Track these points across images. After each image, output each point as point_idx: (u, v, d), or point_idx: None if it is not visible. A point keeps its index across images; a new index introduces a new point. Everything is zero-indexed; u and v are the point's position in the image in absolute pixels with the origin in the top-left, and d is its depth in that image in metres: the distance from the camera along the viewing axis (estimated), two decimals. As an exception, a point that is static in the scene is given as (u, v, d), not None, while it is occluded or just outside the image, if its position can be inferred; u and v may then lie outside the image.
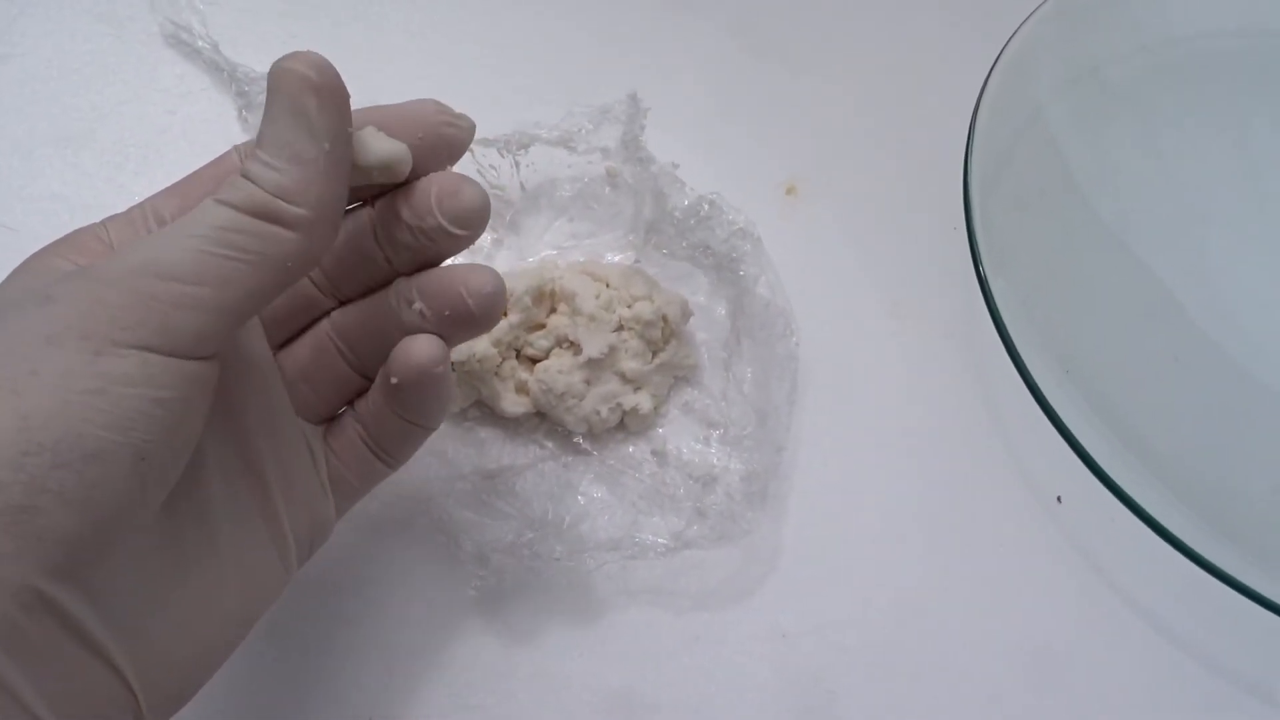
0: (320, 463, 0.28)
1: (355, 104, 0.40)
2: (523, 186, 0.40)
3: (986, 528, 0.37)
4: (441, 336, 0.27)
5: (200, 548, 0.25)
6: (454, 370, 0.35)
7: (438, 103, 0.28)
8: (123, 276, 0.22)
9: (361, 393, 0.29)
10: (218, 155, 0.28)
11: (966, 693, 0.34)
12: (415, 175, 0.27)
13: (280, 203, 0.23)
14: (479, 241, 0.39)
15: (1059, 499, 0.37)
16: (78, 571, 0.21)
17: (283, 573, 0.27)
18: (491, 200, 0.40)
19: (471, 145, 0.38)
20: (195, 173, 0.27)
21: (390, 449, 0.29)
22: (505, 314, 0.36)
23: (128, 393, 0.21)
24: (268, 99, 0.24)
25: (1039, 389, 0.34)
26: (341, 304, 0.29)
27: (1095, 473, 0.33)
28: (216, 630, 0.26)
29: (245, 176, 0.24)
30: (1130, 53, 0.44)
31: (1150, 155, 0.43)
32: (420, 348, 0.27)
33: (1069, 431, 0.33)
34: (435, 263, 0.28)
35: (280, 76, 0.24)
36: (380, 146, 0.26)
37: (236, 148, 0.28)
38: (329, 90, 0.24)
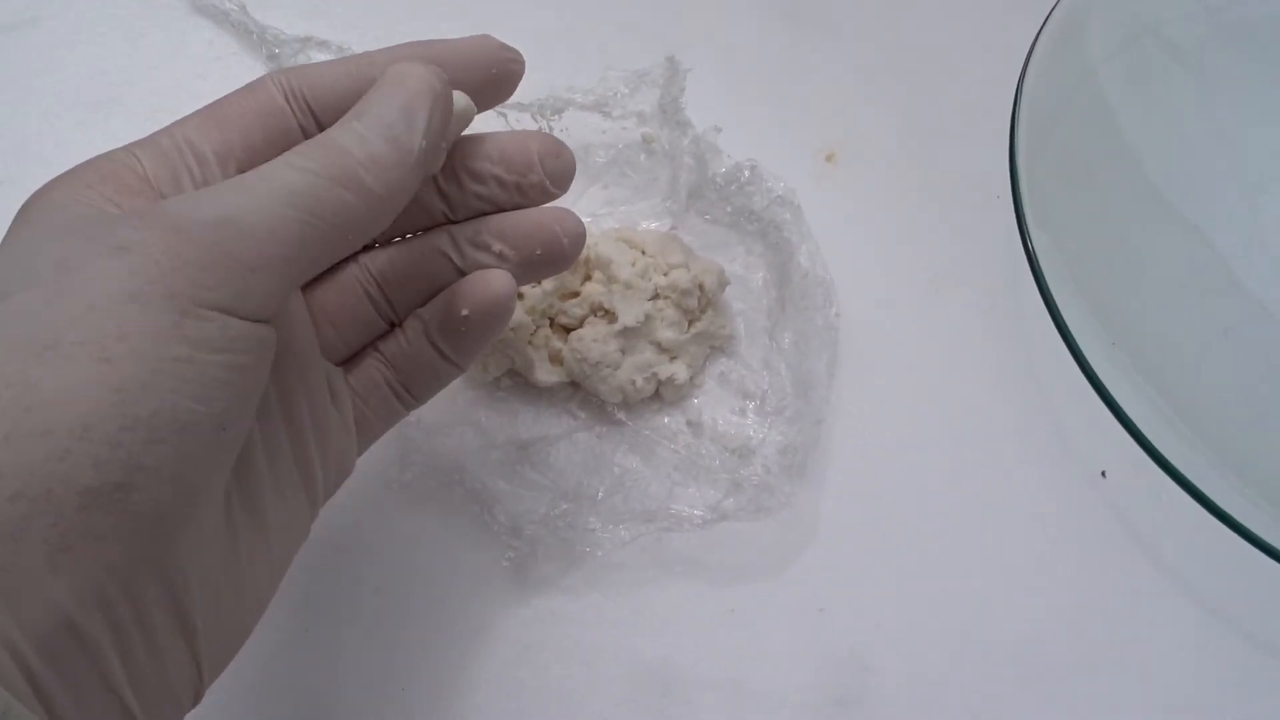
0: (346, 404, 0.28)
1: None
2: (556, 152, 0.39)
3: (1029, 503, 0.36)
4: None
5: (247, 504, 0.24)
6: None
7: (493, 38, 0.29)
8: (203, 231, 0.21)
9: (381, 336, 0.29)
10: (251, 82, 0.27)
11: (1006, 670, 0.34)
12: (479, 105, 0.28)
13: (365, 175, 0.23)
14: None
15: (1104, 474, 0.36)
16: (169, 548, 0.21)
17: (311, 516, 0.27)
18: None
19: (505, 110, 0.37)
20: (227, 99, 0.26)
21: (417, 389, 0.29)
22: (539, 281, 0.35)
23: (212, 359, 0.21)
24: (381, 87, 0.25)
25: (1085, 360, 0.33)
26: (368, 248, 0.29)
27: (1143, 446, 0.32)
28: (261, 587, 0.25)
29: (333, 142, 0.23)
30: (1191, 11, 0.42)
31: (1208, 120, 0.41)
32: (498, 281, 0.28)
33: (1116, 404, 0.33)
34: (506, 209, 0.29)
35: (403, 74, 0.25)
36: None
37: (271, 76, 0.27)
38: (444, 101, 0.25)
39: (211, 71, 0.42)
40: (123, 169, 0.24)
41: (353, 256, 0.29)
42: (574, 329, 0.36)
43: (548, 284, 0.35)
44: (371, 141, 0.24)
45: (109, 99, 0.41)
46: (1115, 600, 0.35)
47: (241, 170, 0.26)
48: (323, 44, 0.40)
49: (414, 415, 0.35)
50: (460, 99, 0.26)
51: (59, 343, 0.20)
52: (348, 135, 0.24)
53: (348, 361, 0.29)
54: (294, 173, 0.23)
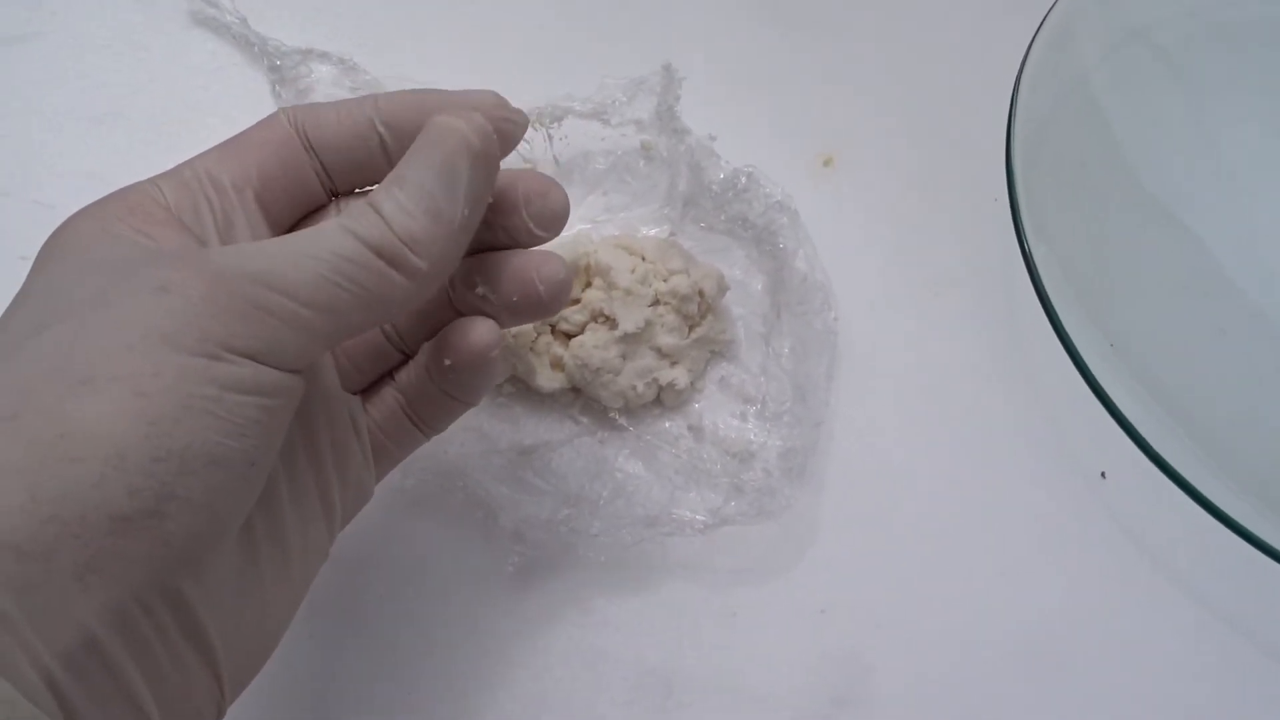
0: (363, 434, 0.28)
1: (390, 77, 0.40)
2: (556, 160, 0.40)
3: (1028, 504, 0.36)
4: (497, 319, 0.28)
5: (270, 534, 0.25)
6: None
7: (497, 95, 0.28)
8: (242, 282, 0.22)
9: (398, 365, 0.30)
10: (264, 118, 0.28)
11: (1007, 671, 0.34)
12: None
13: (406, 251, 0.23)
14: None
15: (1103, 475, 0.37)
16: (195, 574, 0.22)
17: (329, 542, 0.27)
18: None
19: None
20: (244, 135, 0.27)
21: (430, 420, 0.29)
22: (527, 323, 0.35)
23: (242, 400, 0.21)
24: (420, 146, 0.24)
25: (1083, 362, 0.33)
26: None
27: (1141, 447, 0.32)
28: (282, 611, 0.26)
29: (376, 211, 0.24)
30: (1180, 16, 0.43)
31: (1199, 123, 0.42)
32: (477, 332, 0.27)
33: (1114, 406, 0.33)
34: (499, 249, 0.28)
35: (441, 131, 0.24)
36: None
37: (284, 111, 0.28)
38: (485, 158, 0.25)
39: (213, 83, 0.42)
40: (148, 200, 0.25)
41: None
42: (575, 335, 0.36)
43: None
44: (412, 213, 0.24)
45: (111, 111, 0.42)
46: (1114, 601, 0.35)
47: (258, 197, 0.27)
48: (323, 56, 0.40)
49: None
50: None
51: (94, 378, 0.20)
52: (391, 205, 0.24)
53: (365, 391, 0.29)
54: (345, 240, 0.23)
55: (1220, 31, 0.43)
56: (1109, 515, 0.36)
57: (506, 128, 0.27)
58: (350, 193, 0.29)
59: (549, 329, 0.36)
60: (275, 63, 0.41)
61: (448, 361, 0.27)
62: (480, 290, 0.28)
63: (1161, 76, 0.42)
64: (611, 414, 0.36)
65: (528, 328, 0.35)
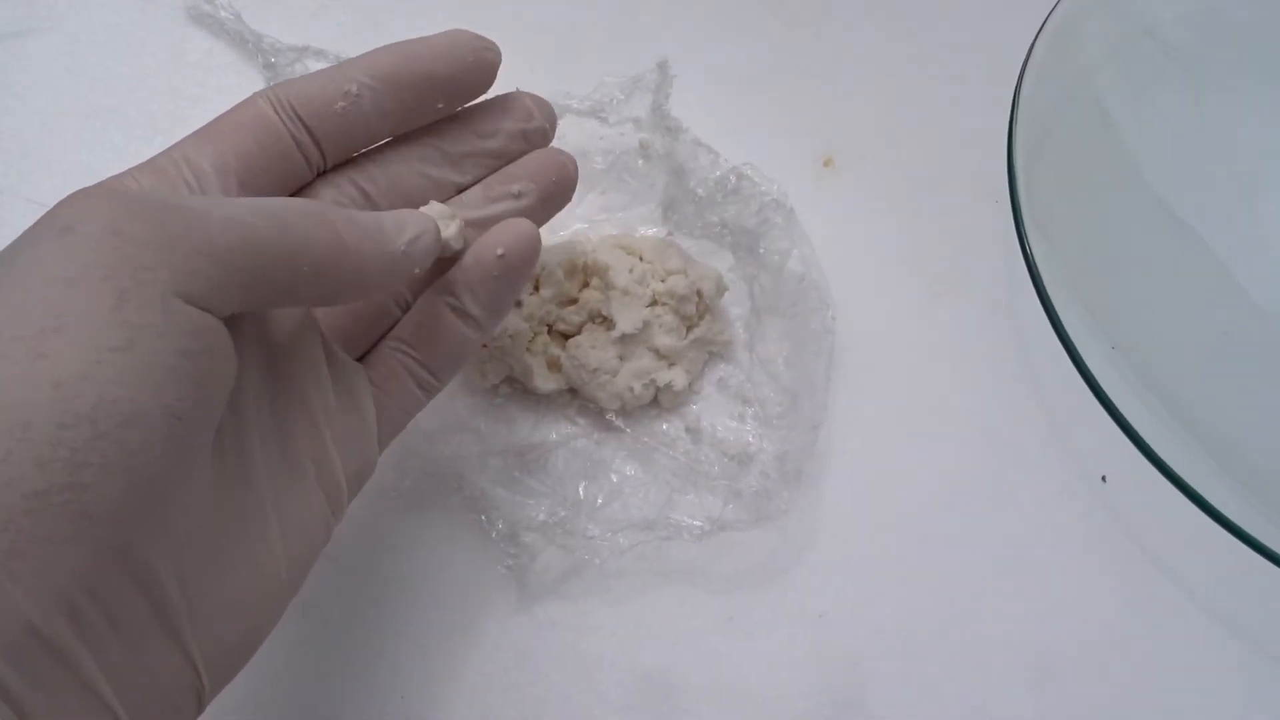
0: (367, 398, 0.28)
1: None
2: (554, 158, 0.39)
3: (1029, 508, 0.36)
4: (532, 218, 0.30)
5: (249, 509, 0.24)
6: (483, 346, 0.35)
7: (468, 31, 0.30)
8: (148, 207, 0.21)
9: (393, 324, 0.29)
10: (242, 100, 0.28)
11: (1007, 676, 0.34)
12: (458, 98, 0.30)
13: (340, 225, 0.24)
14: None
15: (1104, 478, 0.36)
16: (134, 547, 0.20)
17: (330, 521, 0.27)
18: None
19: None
20: (219, 119, 0.27)
21: (439, 364, 0.29)
22: (537, 289, 0.35)
23: (155, 347, 0.20)
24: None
25: (1085, 364, 0.33)
26: None
27: (1143, 450, 0.32)
28: (272, 589, 0.25)
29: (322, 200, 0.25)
30: (1183, 15, 0.42)
31: (1202, 123, 0.41)
32: (527, 223, 0.29)
33: (1115, 408, 0.33)
34: (510, 161, 0.31)
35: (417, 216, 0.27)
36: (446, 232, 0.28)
37: (261, 94, 0.27)
38: (433, 234, 0.27)
39: (209, 80, 0.42)
40: (121, 187, 0.25)
41: None
42: (572, 336, 0.36)
43: (545, 291, 0.35)
44: (359, 220, 0.25)
45: (108, 108, 0.41)
46: (1116, 604, 0.35)
47: (241, 181, 0.26)
48: (320, 53, 0.40)
49: (412, 423, 0.35)
50: (453, 226, 0.28)
51: None
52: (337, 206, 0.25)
53: (364, 356, 0.29)
54: (274, 200, 0.23)
55: (1225, 31, 0.43)
56: (1110, 519, 0.36)
57: (485, 55, 0.30)
58: (336, 168, 0.29)
59: (546, 329, 0.36)
60: (270, 60, 0.40)
61: (500, 251, 0.29)
62: (517, 189, 0.30)
63: (1164, 76, 0.42)
64: (608, 415, 0.36)
65: (524, 327, 0.35)
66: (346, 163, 0.29)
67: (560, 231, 0.39)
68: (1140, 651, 0.34)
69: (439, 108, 0.30)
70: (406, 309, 0.30)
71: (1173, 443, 0.33)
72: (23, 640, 0.19)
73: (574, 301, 0.36)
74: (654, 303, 0.35)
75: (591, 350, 0.35)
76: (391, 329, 0.29)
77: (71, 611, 0.19)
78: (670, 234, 0.39)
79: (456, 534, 0.35)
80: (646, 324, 0.35)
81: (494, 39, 0.43)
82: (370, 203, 0.29)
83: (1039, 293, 0.34)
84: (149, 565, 0.21)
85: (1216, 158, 0.41)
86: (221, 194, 0.26)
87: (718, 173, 0.37)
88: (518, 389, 0.36)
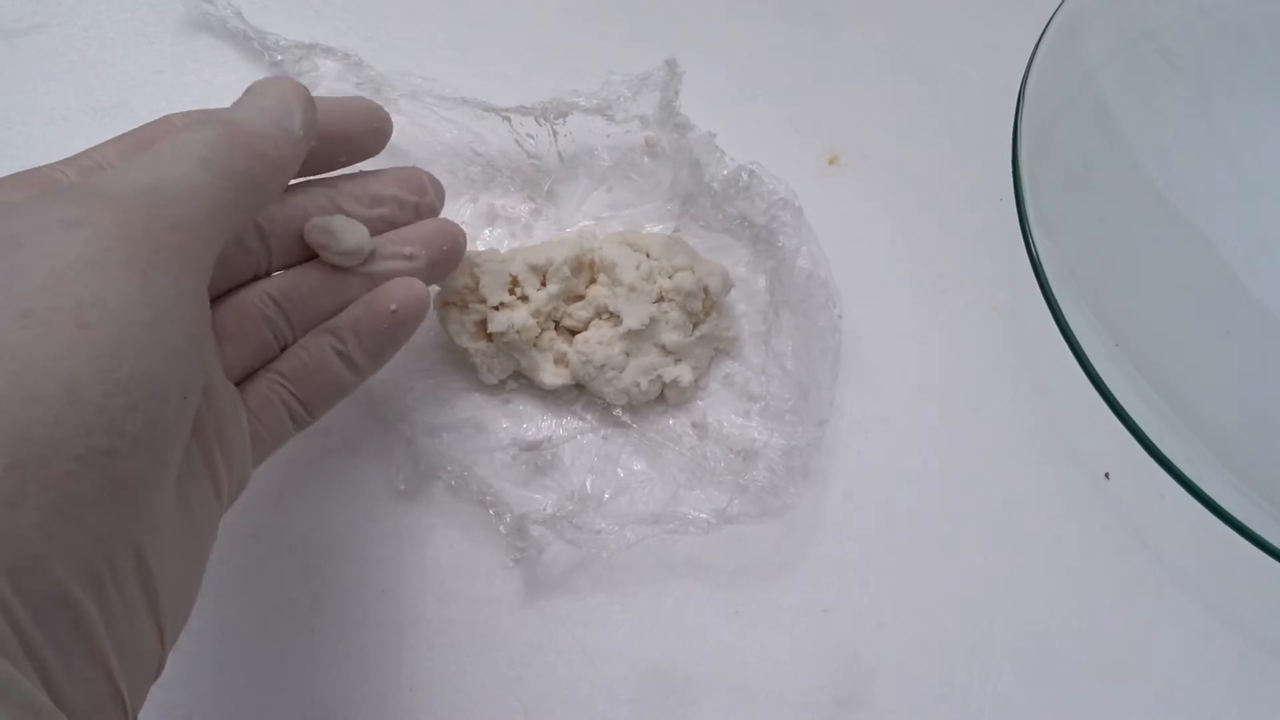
0: (243, 421, 0.28)
1: (395, 73, 0.40)
2: (560, 156, 0.40)
3: (1032, 504, 0.36)
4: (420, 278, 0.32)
5: (187, 492, 0.24)
6: (490, 342, 0.35)
7: (372, 101, 0.33)
8: (139, 199, 0.22)
9: (273, 358, 0.30)
10: (155, 120, 0.29)
11: (1010, 670, 0.34)
12: (358, 155, 0.33)
13: (261, 144, 0.26)
14: (516, 211, 0.39)
15: (1107, 475, 0.37)
16: (142, 517, 0.21)
17: (216, 528, 0.27)
18: (529, 170, 0.40)
19: (509, 113, 0.38)
20: (139, 134, 0.28)
21: (315, 402, 0.30)
22: (544, 284, 0.35)
23: (173, 325, 0.21)
24: (254, 89, 0.28)
25: (1088, 362, 0.33)
26: (268, 273, 0.30)
27: (1146, 447, 0.32)
28: (196, 576, 0.25)
29: (228, 116, 0.26)
30: (1187, 15, 0.43)
31: (1207, 122, 0.42)
32: (419, 282, 0.31)
33: (1119, 405, 0.33)
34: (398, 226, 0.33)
35: (269, 80, 0.28)
36: (350, 237, 0.30)
37: (178, 115, 0.29)
38: (308, 100, 0.28)
39: (216, 76, 0.42)
40: (52, 182, 0.25)
41: (251, 281, 0.30)
42: (579, 332, 0.36)
43: (553, 287, 0.35)
44: (261, 119, 0.26)
45: (114, 104, 0.41)
46: (1118, 600, 0.35)
47: None
48: (328, 51, 0.40)
49: (419, 418, 0.35)
50: (363, 238, 0.31)
51: (34, 310, 0.19)
52: (236, 111, 0.26)
53: (242, 382, 0.29)
54: (201, 144, 0.24)
55: (1228, 31, 0.43)
56: (1113, 515, 0.36)
57: (385, 126, 0.32)
58: None
59: (553, 325, 0.36)
60: (277, 58, 0.41)
61: (393, 307, 0.30)
62: (408, 252, 0.32)
63: (1168, 75, 0.42)
64: (615, 411, 0.36)
65: (531, 323, 0.35)
66: None
67: (567, 228, 0.39)
68: (1142, 646, 0.34)
69: (340, 161, 0.32)
70: (284, 346, 0.30)
71: (1175, 439, 0.33)
72: (54, 603, 0.19)
73: (581, 297, 0.36)
74: (661, 299, 0.36)
75: (598, 346, 0.35)
76: (270, 361, 0.30)
77: (93, 577, 0.20)
78: (677, 230, 0.39)
79: (464, 528, 0.35)
80: (653, 320, 0.35)
81: (500, 38, 0.43)
82: (263, 233, 0.30)
83: (1043, 290, 0.34)
84: (147, 538, 0.21)
85: (1219, 156, 0.42)
86: None
87: (726, 171, 0.37)
88: (525, 384, 0.37)
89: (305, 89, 0.29)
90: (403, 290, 0.31)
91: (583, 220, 0.39)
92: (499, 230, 0.39)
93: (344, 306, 0.30)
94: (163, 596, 0.22)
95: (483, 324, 0.35)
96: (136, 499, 0.20)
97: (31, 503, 0.18)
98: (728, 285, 0.37)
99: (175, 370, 0.21)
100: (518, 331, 0.35)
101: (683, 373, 0.36)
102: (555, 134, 0.39)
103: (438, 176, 0.34)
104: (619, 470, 0.35)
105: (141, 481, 0.20)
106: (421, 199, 0.33)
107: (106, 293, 0.20)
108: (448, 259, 0.33)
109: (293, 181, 0.31)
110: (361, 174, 0.33)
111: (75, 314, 0.20)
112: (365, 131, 0.32)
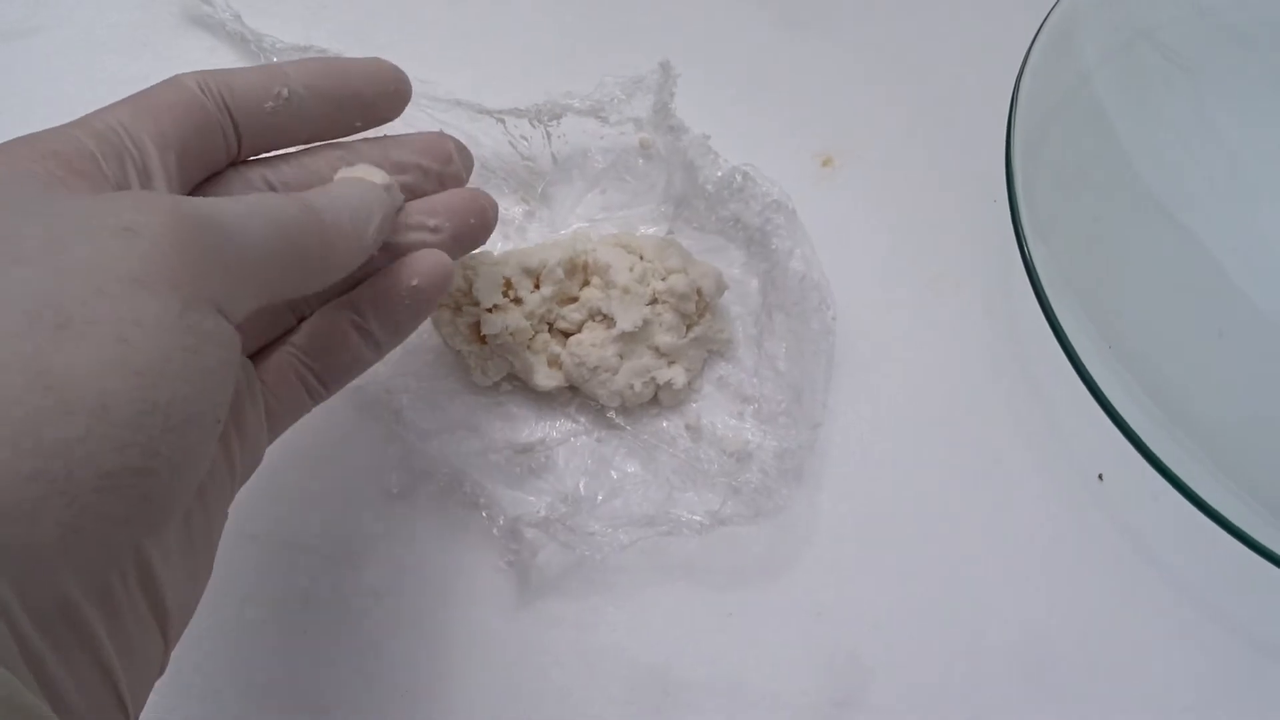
0: (259, 397, 0.28)
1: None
2: (554, 158, 0.40)
3: (1026, 506, 0.36)
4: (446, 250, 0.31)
5: (203, 493, 0.24)
6: (484, 344, 0.35)
7: (384, 62, 0.31)
8: (207, 231, 0.21)
9: (288, 331, 0.29)
10: (167, 79, 0.28)
11: (1004, 671, 0.34)
12: (374, 120, 0.31)
13: (330, 234, 0.25)
14: (510, 213, 0.39)
15: (1100, 477, 0.37)
16: (161, 535, 0.21)
17: (229, 502, 0.27)
18: (523, 172, 0.40)
19: (503, 115, 0.38)
20: (150, 95, 0.27)
21: (331, 377, 0.29)
22: (538, 286, 0.35)
23: (211, 353, 0.21)
24: (342, 183, 0.28)
25: (1082, 363, 0.33)
26: None
27: (1139, 449, 0.32)
28: (205, 573, 0.25)
29: (310, 199, 0.25)
30: (1181, 16, 0.43)
31: (1199, 124, 0.42)
32: (442, 255, 0.30)
33: (1112, 407, 0.33)
34: (424, 195, 0.32)
35: (360, 178, 0.28)
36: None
37: (188, 76, 0.28)
38: (389, 207, 0.28)
39: (212, 79, 0.42)
40: (72, 148, 0.24)
41: None
42: (573, 334, 0.36)
43: (546, 290, 0.35)
44: (339, 213, 0.26)
45: (111, 107, 0.41)
46: (1111, 602, 0.35)
47: (180, 161, 0.27)
48: (323, 53, 0.40)
49: (413, 420, 0.35)
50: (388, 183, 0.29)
51: (70, 322, 0.19)
52: (321, 199, 0.26)
53: (256, 355, 0.29)
54: (277, 209, 0.24)
55: (1222, 32, 0.43)
56: (1106, 517, 0.36)
57: (402, 88, 0.31)
58: (248, 160, 0.29)
59: (547, 327, 0.36)
60: (272, 59, 0.41)
61: (415, 281, 0.29)
62: (433, 224, 0.30)
63: (1162, 77, 0.42)
64: (609, 413, 0.36)
65: (524, 324, 0.35)
66: (256, 159, 0.30)
67: (560, 230, 0.39)
68: (1136, 647, 0.34)
69: (356, 125, 0.31)
70: (303, 317, 0.30)
71: (1168, 441, 0.33)
72: (61, 617, 0.19)
73: (574, 300, 0.36)
74: (654, 301, 0.36)
75: (592, 348, 0.35)
76: (285, 334, 0.29)
77: (103, 593, 0.20)
78: (671, 232, 0.39)
79: (458, 530, 0.35)
80: (647, 322, 0.35)
81: (494, 39, 0.43)
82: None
83: (1036, 292, 0.34)
84: (160, 552, 0.21)
85: (1213, 158, 0.42)
86: (160, 169, 0.26)
87: (720, 172, 0.37)
88: (518, 386, 0.37)
89: (392, 200, 0.28)
90: (426, 263, 0.29)
91: (576, 222, 0.39)
92: (493, 232, 0.39)
93: (364, 278, 0.29)
94: (168, 600, 0.22)
95: (476, 326, 0.35)
96: (160, 519, 0.20)
97: (52, 517, 0.18)
98: (721, 287, 0.37)
99: (211, 396, 0.21)
100: (511, 334, 0.35)
101: (676, 375, 0.36)
102: (549, 136, 0.39)
103: None
104: (612, 472, 0.35)
105: (167, 502, 0.20)
106: (446, 167, 0.32)
107: (149, 315, 0.20)
108: (475, 232, 0.31)
109: (308, 145, 0.30)
110: (382, 138, 0.32)
111: (116, 329, 0.19)
112: (381, 93, 0.31)
